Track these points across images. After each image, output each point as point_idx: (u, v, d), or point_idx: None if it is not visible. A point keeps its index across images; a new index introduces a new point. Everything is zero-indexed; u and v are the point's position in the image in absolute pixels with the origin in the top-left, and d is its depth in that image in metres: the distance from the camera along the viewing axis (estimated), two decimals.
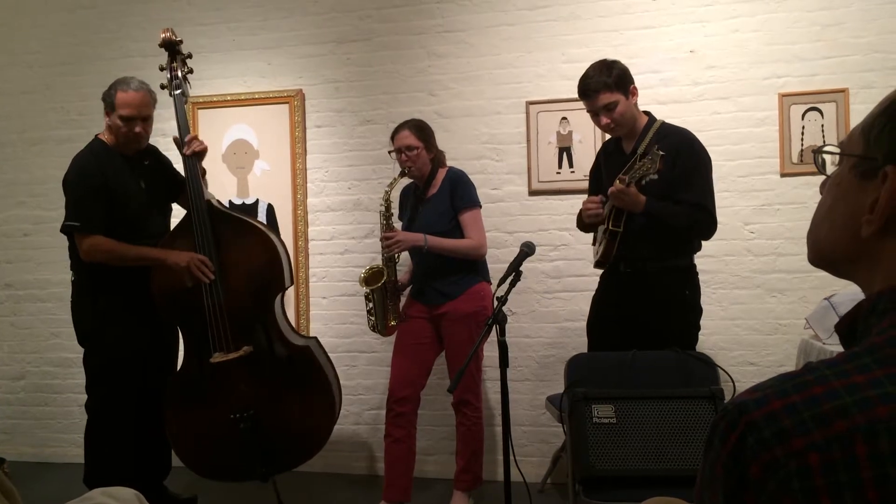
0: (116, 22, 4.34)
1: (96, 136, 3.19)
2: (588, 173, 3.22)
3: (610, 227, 2.75)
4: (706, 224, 2.79)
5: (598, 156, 3.14)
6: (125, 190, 3.08)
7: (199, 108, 4.17)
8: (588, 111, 2.88)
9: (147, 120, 3.10)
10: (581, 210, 2.97)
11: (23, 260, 4.45)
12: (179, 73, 3.17)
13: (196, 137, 3.13)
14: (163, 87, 3.19)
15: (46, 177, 4.38)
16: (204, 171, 3.19)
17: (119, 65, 4.29)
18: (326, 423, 3.17)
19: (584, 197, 3.02)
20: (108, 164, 3.06)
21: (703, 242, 2.92)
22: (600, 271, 3.00)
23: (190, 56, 3.24)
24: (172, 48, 3.18)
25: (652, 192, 2.69)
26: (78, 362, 4.33)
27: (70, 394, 4.40)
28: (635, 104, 2.85)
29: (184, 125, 3.12)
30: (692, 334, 2.86)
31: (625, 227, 2.74)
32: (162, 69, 3.22)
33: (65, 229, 3.07)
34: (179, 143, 3.11)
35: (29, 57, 4.45)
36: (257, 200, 4.08)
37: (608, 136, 3.10)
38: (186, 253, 3.00)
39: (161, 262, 3.01)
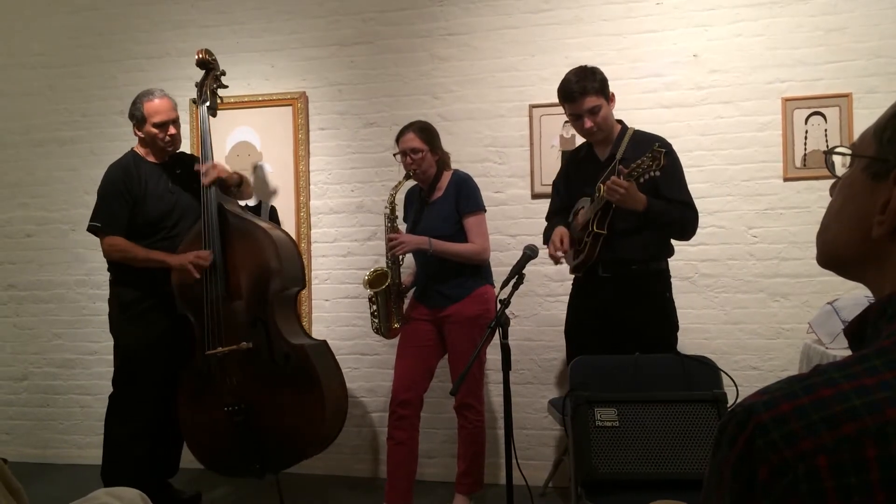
0: (119, 24, 4.34)
1: (131, 149, 3.41)
2: (552, 183, 3.21)
3: (594, 230, 2.75)
4: (695, 222, 2.84)
5: (566, 165, 3.15)
6: (153, 194, 3.30)
7: None
8: (568, 115, 2.92)
9: (176, 122, 3.36)
10: (551, 239, 2.91)
11: (25, 261, 4.45)
12: (208, 91, 3.43)
13: (213, 166, 3.30)
14: (194, 101, 3.42)
15: (49, 178, 4.39)
16: (240, 180, 3.47)
17: (122, 66, 4.30)
18: (316, 426, 3.19)
19: (581, 198, 2.99)
20: (137, 171, 3.30)
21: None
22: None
23: (224, 73, 3.50)
24: (207, 67, 3.45)
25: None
26: (80, 363, 4.38)
27: (72, 395, 4.40)
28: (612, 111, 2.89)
29: (204, 137, 3.37)
30: (674, 335, 2.89)
31: (609, 230, 2.75)
32: (197, 85, 3.47)
33: (89, 229, 3.34)
34: (199, 169, 3.33)
35: (31, 59, 4.45)
36: (260, 202, 4.08)
37: (581, 142, 3.08)
38: (187, 254, 3.20)
39: (165, 264, 3.22)
